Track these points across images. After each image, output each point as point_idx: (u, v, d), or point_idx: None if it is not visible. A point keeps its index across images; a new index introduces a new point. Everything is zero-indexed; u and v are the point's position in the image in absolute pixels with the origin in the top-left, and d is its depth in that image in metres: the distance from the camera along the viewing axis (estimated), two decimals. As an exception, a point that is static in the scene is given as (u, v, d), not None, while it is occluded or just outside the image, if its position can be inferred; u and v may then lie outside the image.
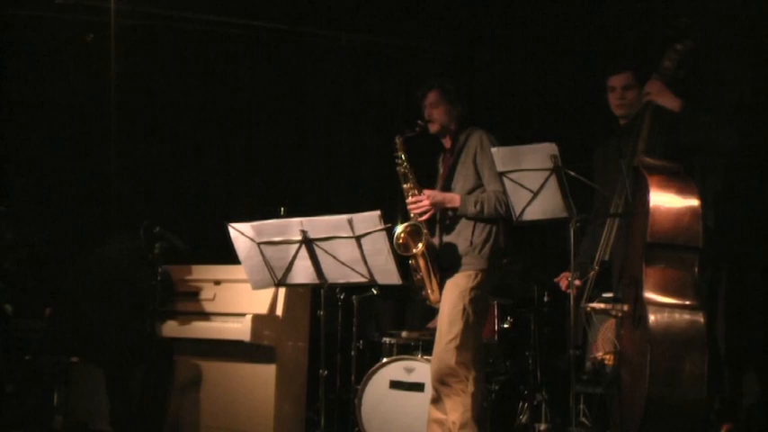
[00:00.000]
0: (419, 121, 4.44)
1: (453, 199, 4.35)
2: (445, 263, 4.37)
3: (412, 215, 4.36)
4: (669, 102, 3.97)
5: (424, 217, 4.34)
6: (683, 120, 3.95)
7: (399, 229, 4.31)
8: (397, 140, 4.40)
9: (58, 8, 6.11)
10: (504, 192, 4.02)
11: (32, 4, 6.22)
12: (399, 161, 4.41)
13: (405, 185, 4.43)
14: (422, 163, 4.71)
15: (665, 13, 5.15)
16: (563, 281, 4.41)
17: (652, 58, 4.17)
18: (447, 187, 4.46)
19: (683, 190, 3.74)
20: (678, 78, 4.02)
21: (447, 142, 4.57)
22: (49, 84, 6.52)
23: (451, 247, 4.35)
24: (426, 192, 4.36)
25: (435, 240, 4.44)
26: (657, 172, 3.79)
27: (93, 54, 6.20)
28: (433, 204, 4.32)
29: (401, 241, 4.29)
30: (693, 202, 3.72)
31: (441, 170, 4.65)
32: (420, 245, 4.27)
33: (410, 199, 4.37)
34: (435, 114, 4.46)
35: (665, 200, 3.72)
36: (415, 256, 4.33)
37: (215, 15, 6.49)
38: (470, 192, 4.37)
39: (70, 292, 5.22)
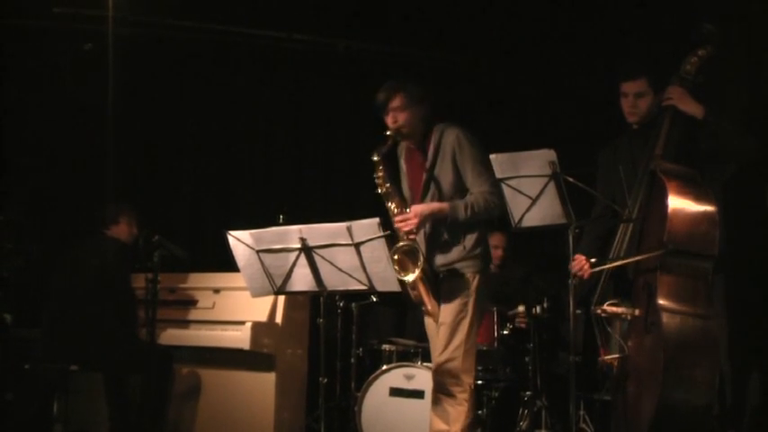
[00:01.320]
0: (388, 133, 4.22)
1: (441, 209, 4.15)
2: (441, 271, 4.29)
3: (401, 233, 4.15)
4: (692, 108, 3.94)
5: (414, 234, 4.16)
6: (704, 126, 3.92)
7: (395, 247, 4.07)
8: (375, 158, 4.15)
9: (55, 17, 6.11)
10: (493, 192, 4.01)
11: (30, 13, 6.22)
12: (380, 181, 4.20)
13: (389, 204, 4.22)
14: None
15: (674, 18, 5.16)
16: (577, 265, 4.12)
17: (668, 63, 4.16)
18: (427, 191, 4.28)
19: (700, 196, 3.72)
20: (697, 83, 4.01)
21: (413, 143, 4.37)
22: (46, 93, 6.52)
23: (446, 255, 4.28)
24: (414, 208, 4.16)
25: (424, 249, 4.24)
26: (675, 177, 3.77)
27: (92, 63, 6.20)
28: (422, 220, 4.13)
29: (396, 260, 4.06)
30: (710, 208, 3.70)
31: (404, 168, 4.45)
32: (417, 271, 4.07)
33: (398, 218, 4.15)
34: (401, 119, 4.23)
35: (683, 206, 3.69)
36: (414, 282, 4.12)
37: (213, 24, 6.50)
38: (453, 193, 4.22)
39: (58, 298, 5.22)
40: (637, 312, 3.82)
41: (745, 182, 4.64)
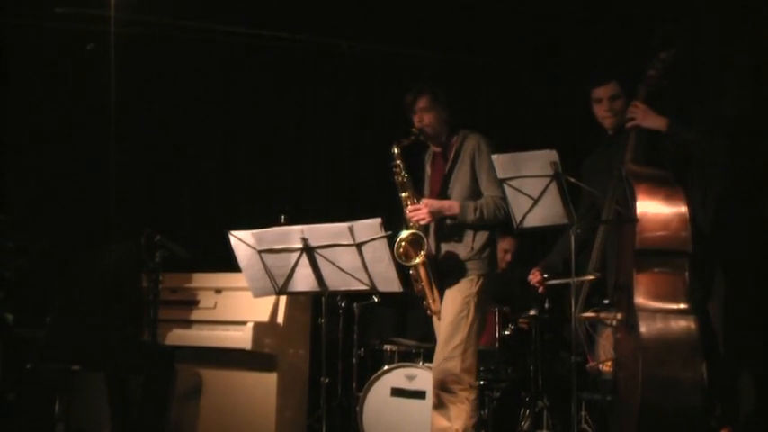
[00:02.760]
0: (413, 129, 4.44)
1: (452, 206, 4.35)
2: (447, 270, 4.36)
3: (411, 224, 4.35)
4: (655, 123, 4.02)
5: (423, 223, 4.34)
6: (670, 138, 4.01)
7: (401, 236, 4.28)
8: (395, 149, 4.40)
9: (57, 17, 6.10)
10: (504, 198, 4.03)
11: (32, 13, 6.22)
12: (397, 170, 4.41)
13: (403, 194, 4.43)
14: (414, 169, 4.69)
15: (657, 21, 5.17)
16: (534, 276, 4.42)
17: (636, 67, 4.21)
18: (444, 192, 4.44)
19: (669, 196, 3.77)
20: (662, 87, 4.08)
21: (437, 146, 4.55)
22: (48, 93, 6.53)
23: (453, 255, 4.35)
24: (425, 201, 4.37)
25: (433, 245, 4.43)
26: (644, 180, 3.84)
27: (93, 63, 6.20)
28: (432, 213, 4.32)
29: (402, 250, 4.26)
30: (681, 208, 3.75)
31: (428, 171, 4.64)
32: (422, 254, 4.26)
33: (409, 207, 4.36)
34: (427, 119, 4.45)
35: (652, 207, 3.75)
36: (416, 266, 4.32)
37: (215, 23, 6.49)
38: (468, 197, 4.36)
39: (66, 299, 5.22)
40: (619, 316, 3.85)
41: (744, 183, 4.64)
